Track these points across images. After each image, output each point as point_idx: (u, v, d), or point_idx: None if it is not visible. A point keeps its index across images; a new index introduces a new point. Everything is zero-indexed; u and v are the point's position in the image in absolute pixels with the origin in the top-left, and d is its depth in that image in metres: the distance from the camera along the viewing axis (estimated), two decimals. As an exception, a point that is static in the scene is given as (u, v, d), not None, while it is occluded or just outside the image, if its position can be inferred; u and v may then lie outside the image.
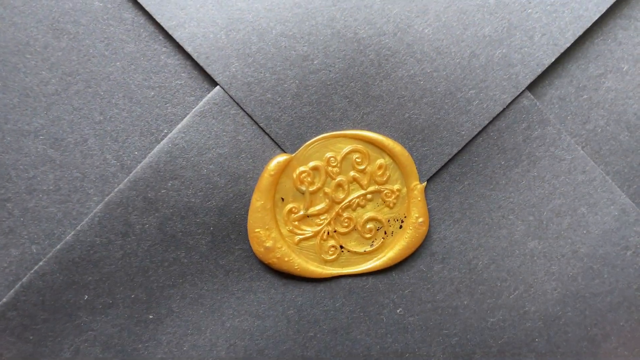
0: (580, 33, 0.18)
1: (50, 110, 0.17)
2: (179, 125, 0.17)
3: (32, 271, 0.18)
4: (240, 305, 0.18)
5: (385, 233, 0.18)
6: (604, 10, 0.18)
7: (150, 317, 0.18)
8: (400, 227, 0.18)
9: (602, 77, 0.18)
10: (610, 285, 0.19)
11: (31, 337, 0.18)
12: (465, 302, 0.18)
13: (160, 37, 0.17)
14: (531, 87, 0.18)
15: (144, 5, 0.17)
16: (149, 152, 0.18)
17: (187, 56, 0.17)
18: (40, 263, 0.18)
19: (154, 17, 0.17)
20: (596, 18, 0.18)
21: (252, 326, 0.18)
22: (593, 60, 0.18)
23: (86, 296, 0.18)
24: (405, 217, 0.18)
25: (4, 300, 0.18)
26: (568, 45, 0.18)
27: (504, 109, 0.18)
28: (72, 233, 0.17)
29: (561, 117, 0.19)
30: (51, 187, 0.18)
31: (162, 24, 0.17)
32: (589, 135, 0.19)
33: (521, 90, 0.18)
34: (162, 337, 0.18)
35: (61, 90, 0.17)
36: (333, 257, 0.18)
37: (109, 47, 0.17)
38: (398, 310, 0.18)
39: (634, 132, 0.19)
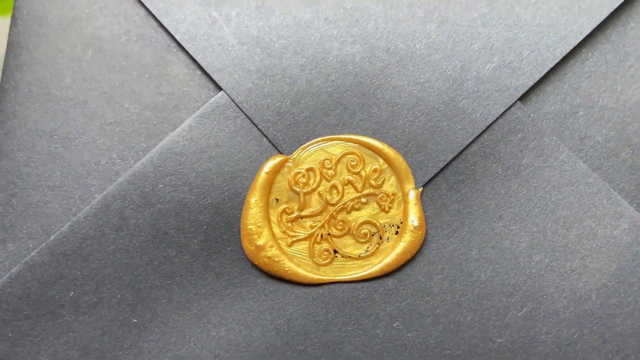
0: (567, 51, 0.18)
1: (67, 113, 0.19)
2: (182, 125, 0.18)
3: (22, 262, 0.17)
4: (228, 312, 0.17)
5: (380, 238, 0.18)
6: (588, 32, 0.19)
7: (135, 320, 0.17)
8: (397, 232, 0.18)
9: (595, 95, 0.19)
10: (629, 306, 0.17)
11: (10, 335, 0.17)
12: (469, 319, 0.17)
13: (174, 50, 0.19)
14: (526, 102, 0.18)
15: (161, 22, 0.19)
16: (141, 155, 0.18)
17: (197, 67, 0.19)
18: (32, 254, 0.18)
19: (170, 32, 0.19)
20: (581, 39, 0.18)
21: (238, 336, 0.17)
22: (585, 79, 0.19)
23: (72, 292, 0.17)
24: (401, 222, 0.18)
25: None
26: (556, 61, 0.18)
27: (498, 119, 0.18)
28: (68, 224, 0.18)
29: (558, 132, 0.19)
30: (56, 183, 0.18)
31: (176, 37, 0.19)
32: (588, 151, 0.18)
33: (513, 102, 0.18)
34: (144, 345, 0.17)
35: (80, 95, 0.19)
36: (326, 261, 0.18)
37: (128, 59, 0.19)
38: (395, 325, 0.17)
39: (636, 150, 0.18)
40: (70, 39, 0.19)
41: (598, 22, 0.18)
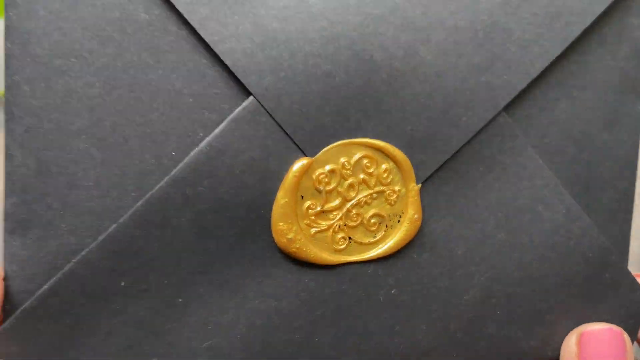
0: (546, 65, 0.22)
1: (93, 112, 0.19)
2: (216, 130, 0.19)
3: (75, 260, 0.19)
4: (260, 289, 0.21)
5: (386, 226, 0.22)
6: (565, 47, 0.22)
7: (180, 300, 0.20)
8: (399, 221, 0.22)
9: (557, 100, 0.23)
10: (555, 269, 0.23)
11: (68, 321, 0.19)
12: (446, 284, 0.22)
13: (201, 50, 0.19)
14: (505, 107, 0.22)
15: (188, 20, 0.19)
16: (185, 153, 0.19)
17: (225, 68, 0.19)
18: (83, 253, 0.19)
19: (198, 31, 0.19)
20: (558, 53, 0.22)
21: (269, 307, 0.21)
22: (553, 87, 0.23)
23: (123, 282, 0.19)
24: (403, 213, 0.22)
25: (46, 287, 0.19)
26: (536, 74, 0.22)
27: (485, 125, 0.22)
28: (114, 226, 0.19)
29: (527, 132, 0.23)
30: (91, 184, 0.19)
31: (205, 38, 0.19)
32: (545, 148, 0.23)
33: (498, 112, 0.21)
34: (189, 319, 0.20)
35: (104, 93, 0.19)
36: (343, 246, 0.21)
37: (153, 56, 0.19)
38: (393, 291, 0.22)
39: (579, 146, 0.23)
40: (89, 33, 0.18)
41: (568, 43, 0.22)
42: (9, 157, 0.19)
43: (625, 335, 0.23)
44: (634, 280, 0.24)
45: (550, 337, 0.24)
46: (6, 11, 0.19)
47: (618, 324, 0.23)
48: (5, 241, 0.19)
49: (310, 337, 0.22)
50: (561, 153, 0.23)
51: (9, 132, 0.18)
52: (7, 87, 0.19)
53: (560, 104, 0.23)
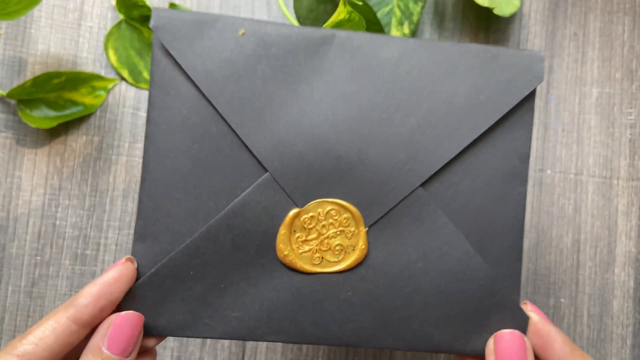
0: (453, 156, 0.35)
1: (186, 180, 0.35)
2: (247, 190, 0.35)
3: (166, 258, 0.35)
4: (268, 283, 0.35)
5: (345, 252, 0.36)
6: (468, 144, 0.35)
7: (222, 286, 0.35)
8: (353, 249, 0.36)
9: (460, 181, 0.36)
10: (458, 288, 0.36)
11: (162, 289, 0.35)
12: (383, 292, 0.35)
13: (242, 146, 0.35)
14: (422, 183, 0.36)
15: (238, 135, 0.35)
16: (230, 202, 0.35)
17: (253, 156, 0.35)
18: (171, 254, 0.35)
19: (236, 131, 0.35)
20: (463, 147, 0.35)
21: (273, 295, 0.35)
22: (457, 171, 0.36)
23: (191, 272, 0.35)
24: (356, 244, 0.36)
25: (152, 270, 0.35)
26: (445, 163, 0.35)
27: (408, 195, 0.36)
28: (189, 240, 0.35)
29: (437, 200, 0.36)
30: (179, 217, 0.35)
31: (242, 138, 0.35)
32: (450, 211, 0.36)
33: (417, 186, 0.35)
34: (226, 298, 0.35)
35: (193, 166, 0.35)
36: (318, 262, 0.36)
37: (219, 152, 0.35)
38: (348, 293, 0.35)
39: (475, 213, 0.36)
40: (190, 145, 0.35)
41: (470, 140, 0.35)
42: (140, 200, 0.35)
43: (526, 338, 0.33)
44: (516, 304, 0.36)
45: (456, 335, 0.36)
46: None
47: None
48: (133, 246, 0.35)
49: (297, 317, 0.36)
50: (462, 215, 0.36)
51: (141, 197, 0.35)
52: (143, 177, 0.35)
53: (462, 183, 0.36)
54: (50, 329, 0.31)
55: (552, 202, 0.50)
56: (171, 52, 0.33)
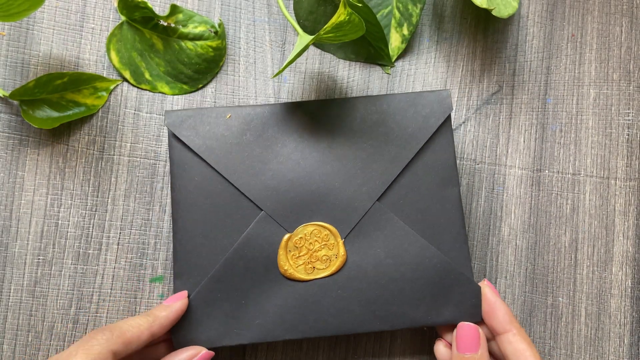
0: (397, 173, 0.44)
1: (205, 223, 0.44)
2: (251, 225, 0.43)
3: (200, 285, 0.43)
4: (276, 293, 0.42)
5: (330, 260, 0.43)
6: (406, 164, 0.44)
7: (243, 302, 0.42)
8: (336, 257, 0.43)
9: (408, 192, 0.44)
10: (421, 274, 0.43)
11: (202, 304, 0.43)
12: (364, 286, 0.43)
13: (238, 194, 0.43)
14: (379, 198, 0.44)
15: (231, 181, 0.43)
16: (239, 236, 0.43)
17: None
18: (203, 282, 0.43)
19: (235, 185, 0.43)
20: (404, 166, 0.44)
21: (280, 301, 0.42)
22: (404, 184, 0.44)
23: (219, 295, 0.43)
24: (337, 253, 0.43)
25: (191, 296, 0.42)
26: (393, 179, 0.44)
27: (368, 209, 0.43)
28: (216, 267, 0.43)
29: (392, 208, 0.44)
30: (203, 254, 0.43)
31: (240, 189, 0.43)
32: (404, 215, 0.44)
33: (374, 201, 0.43)
34: (248, 309, 0.42)
35: (206, 213, 0.44)
36: (311, 272, 0.42)
37: (227, 205, 0.44)
38: (338, 291, 0.43)
39: (423, 214, 0.44)
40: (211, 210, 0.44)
41: (408, 161, 0.44)
42: (174, 248, 0.43)
43: (480, 330, 0.42)
44: (469, 278, 0.43)
45: (428, 310, 0.43)
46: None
47: (466, 306, 0.43)
48: (174, 282, 0.42)
49: (303, 316, 0.43)
50: (414, 217, 0.44)
51: (174, 241, 0.43)
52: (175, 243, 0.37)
53: (409, 194, 0.44)
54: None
55: (550, 202, 0.50)
56: (181, 138, 0.44)
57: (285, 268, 0.43)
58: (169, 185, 0.48)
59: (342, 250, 0.43)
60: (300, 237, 0.43)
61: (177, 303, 0.42)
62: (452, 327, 0.44)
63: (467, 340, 0.41)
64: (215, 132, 0.44)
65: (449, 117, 0.45)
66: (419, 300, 0.43)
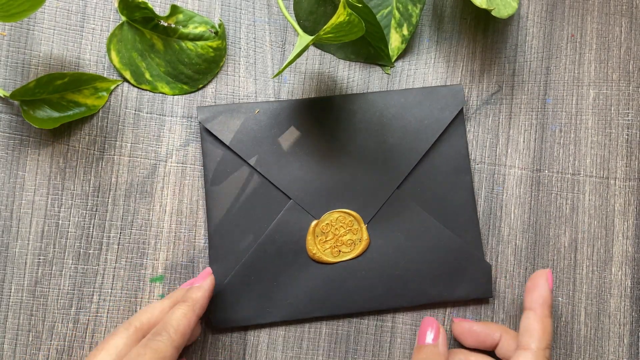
0: (414, 164, 0.46)
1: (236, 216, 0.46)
2: (281, 212, 0.45)
3: (233, 271, 0.46)
4: (304, 275, 0.45)
5: (354, 244, 0.45)
6: (425, 151, 0.47)
7: (275, 283, 0.45)
8: (360, 240, 0.45)
9: (426, 180, 0.48)
10: (438, 255, 0.47)
11: (234, 290, 0.46)
12: (385, 266, 0.46)
13: (268, 185, 0.46)
14: (398, 186, 0.46)
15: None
16: (270, 223, 0.46)
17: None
18: (236, 267, 0.46)
19: (265, 176, 0.46)
20: (421, 155, 0.47)
21: (309, 282, 0.45)
22: (421, 173, 0.48)
23: (252, 277, 0.46)
24: (361, 237, 0.45)
25: (225, 280, 0.45)
26: (410, 169, 0.46)
27: (389, 196, 0.46)
28: (246, 256, 0.46)
29: (411, 195, 0.47)
30: (243, 229, 0.47)
31: (270, 179, 0.47)
32: (422, 201, 0.47)
33: (394, 189, 0.45)
34: (279, 290, 0.46)
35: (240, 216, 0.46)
36: (337, 255, 0.46)
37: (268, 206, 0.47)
38: (362, 272, 0.46)
39: (439, 200, 0.48)
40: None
41: (427, 149, 0.47)
42: (209, 234, 0.46)
43: (439, 324, 0.45)
44: (481, 258, 0.48)
45: (444, 287, 0.48)
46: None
47: (478, 283, 0.48)
48: (210, 266, 0.45)
49: (330, 295, 0.47)
50: (430, 203, 0.47)
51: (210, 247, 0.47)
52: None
53: (425, 182, 0.48)
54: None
55: (550, 202, 0.50)
56: (214, 133, 0.47)
57: (314, 252, 0.46)
58: (202, 177, 0.49)
59: (365, 235, 0.46)
60: (327, 223, 0.46)
61: (207, 281, 0.44)
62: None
63: (426, 332, 0.44)
64: (245, 127, 0.47)
65: (462, 110, 0.49)
66: (436, 278, 0.47)
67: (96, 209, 0.49)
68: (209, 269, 0.46)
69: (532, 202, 0.50)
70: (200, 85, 0.50)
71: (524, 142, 0.51)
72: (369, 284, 0.46)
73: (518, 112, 0.51)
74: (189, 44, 0.49)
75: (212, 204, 0.47)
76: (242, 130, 0.47)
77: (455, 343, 0.49)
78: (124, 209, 0.49)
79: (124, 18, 0.49)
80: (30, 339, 0.48)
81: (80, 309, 0.48)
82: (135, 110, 0.50)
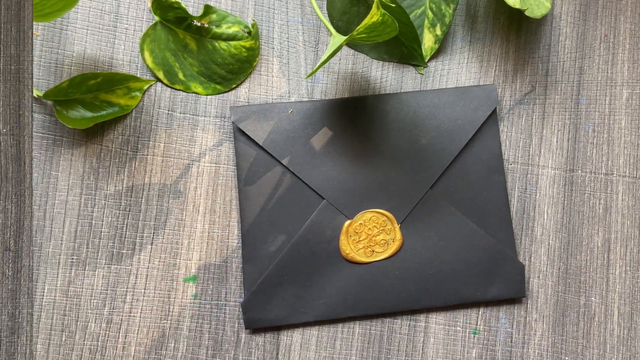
0: (447, 164, 0.47)
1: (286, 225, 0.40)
2: (315, 211, 0.45)
3: (268, 270, 0.46)
4: (339, 275, 0.45)
5: (387, 244, 0.44)
6: (459, 151, 0.47)
7: (308, 283, 0.45)
8: (393, 241, 0.45)
9: (458, 180, 0.48)
10: (471, 255, 0.46)
11: (266, 291, 0.46)
12: (418, 267, 0.46)
13: (301, 184, 0.46)
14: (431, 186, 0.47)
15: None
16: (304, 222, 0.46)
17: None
18: (270, 267, 0.46)
19: (298, 176, 0.46)
20: (455, 155, 0.47)
21: (344, 283, 0.45)
22: (454, 174, 0.48)
23: (286, 277, 0.46)
24: (394, 237, 0.45)
25: (259, 280, 0.46)
26: (443, 170, 0.47)
27: (423, 196, 0.46)
28: (280, 256, 0.46)
29: (444, 195, 0.47)
30: (279, 228, 0.47)
31: (303, 179, 0.46)
32: (455, 202, 0.47)
33: (427, 189, 0.46)
34: (312, 289, 0.45)
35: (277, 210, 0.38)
36: (370, 255, 0.45)
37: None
38: (396, 272, 0.46)
39: (472, 199, 0.48)
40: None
41: (460, 149, 0.47)
42: (242, 234, 0.47)
43: None
44: (514, 258, 0.48)
45: (477, 287, 0.48)
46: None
47: (511, 283, 0.48)
48: (243, 267, 0.45)
49: (363, 295, 0.46)
50: (463, 203, 0.47)
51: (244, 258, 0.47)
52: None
53: (458, 181, 0.48)
54: None
55: (583, 202, 0.50)
56: (247, 133, 0.47)
57: (347, 252, 0.46)
58: (235, 177, 0.49)
59: (398, 235, 0.46)
60: (360, 223, 0.46)
61: None
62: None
63: None
64: (279, 127, 0.47)
65: (495, 110, 0.49)
66: (469, 278, 0.47)
67: (129, 209, 0.49)
68: None
69: (565, 202, 0.50)
70: (234, 85, 0.50)
71: (557, 142, 0.51)
72: (402, 284, 0.46)
73: (551, 112, 0.51)
74: (222, 44, 0.49)
75: (245, 204, 0.47)
76: (275, 130, 0.47)
77: (464, 350, 0.49)
78: (157, 209, 0.49)
79: (157, 18, 0.49)
80: (64, 338, 0.48)
81: (113, 309, 0.48)
82: (169, 110, 0.49)
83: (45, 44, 0.49)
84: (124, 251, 0.49)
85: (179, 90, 0.49)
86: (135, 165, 0.49)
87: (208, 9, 0.49)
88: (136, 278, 0.49)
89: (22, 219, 0.48)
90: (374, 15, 0.40)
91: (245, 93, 0.50)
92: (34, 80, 0.49)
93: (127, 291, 0.49)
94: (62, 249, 0.48)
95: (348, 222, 0.46)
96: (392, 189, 0.46)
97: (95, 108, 0.49)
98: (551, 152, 0.51)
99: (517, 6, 0.47)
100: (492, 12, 0.52)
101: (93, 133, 0.49)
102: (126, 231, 0.49)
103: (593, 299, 0.50)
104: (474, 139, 0.48)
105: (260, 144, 0.47)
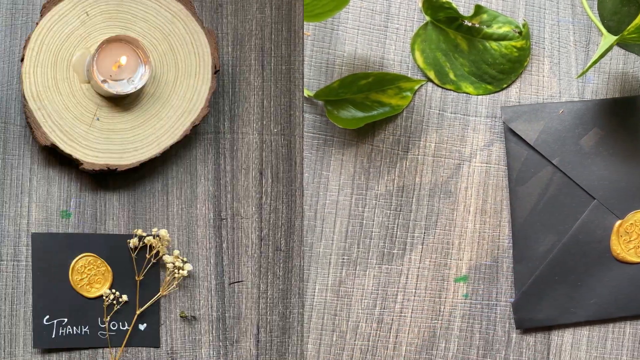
0: None
1: None
2: (584, 214, 0.46)
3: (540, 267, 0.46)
4: (609, 275, 0.46)
5: None
6: None
7: (579, 283, 0.46)
8: None
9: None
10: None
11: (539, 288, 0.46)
12: None
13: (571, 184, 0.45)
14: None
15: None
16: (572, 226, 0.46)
17: None
18: (544, 264, 0.46)
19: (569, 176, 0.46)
20: None
21: (615, 283, 0.46)
22: None
23: (556, 277, 0.47)
24: None
25: (531, 278, 0.46)
26: None
27: None
28: (554, 252, 0.46)
29: None
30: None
31: (574, 180, 0.46)
32: None
33: None
34: (584, 292, 0.47)
35: None
36: None
37: None
38: None
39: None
40: None
41: None
42: (514, 228, 0.45)
43: None
44: None
45: None
46: None
47: None
48: (514, 267, 0.45)
49: (632, 294, 0.46)
50: None
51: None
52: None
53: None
54: None
55: None
56: (518, 133, 0.47)
57: (618, 252, 0.46)
58: (506, 177, 0.48)
59: None
60: (631, 223, 0.46)
61: None
62: None
63: None
64: (549, 126, 0.47)
65: None
66: None
67: (400, 209, 0.49)
68: None
69: None
70: (504, 85, 0.50)
71: None
72: None
73: None
74: (493, 44, 0.49)
75: (516, 204, 0.47)
76: (546, 130, 0.47)
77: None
78: (428, 209, 0.49)
79: (428, 18, 0.49)
80: (334, 338, 0.48)
81: (384, 309, 0.49)
82: (439, 110, 0.50)
83: (316, 44, 0.49)
84: (394, 251, 0.49)
85: (450, 90, 0.50)
86: (405, 165, 0.49)
87: (479, 9, 0.49)
88: (407, 278, 0.49)
89: (293, 219, 0.48)
90: (648, 16, 0.40)
91: (515, 93, 0.50)
92: (305, 80, 0.49)
93: (397, 291, 0.49)
94: (332, 249, 0.49)
95: (619, 222, 0.46)
96: None
97: (366, 108, 0.49)
98: None
99: None
100: None
101: (364, 133, 0.49)
102: (397, 231, 0.49)
103: None
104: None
105: (532, 144, 0.47)
